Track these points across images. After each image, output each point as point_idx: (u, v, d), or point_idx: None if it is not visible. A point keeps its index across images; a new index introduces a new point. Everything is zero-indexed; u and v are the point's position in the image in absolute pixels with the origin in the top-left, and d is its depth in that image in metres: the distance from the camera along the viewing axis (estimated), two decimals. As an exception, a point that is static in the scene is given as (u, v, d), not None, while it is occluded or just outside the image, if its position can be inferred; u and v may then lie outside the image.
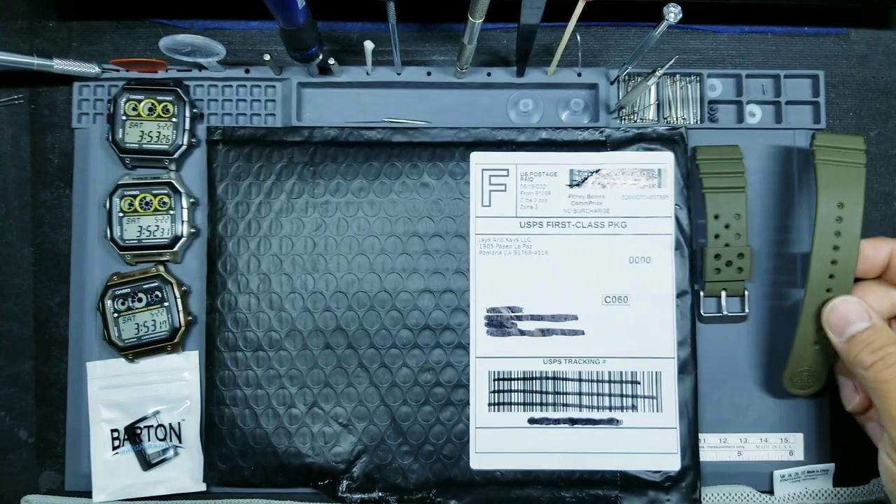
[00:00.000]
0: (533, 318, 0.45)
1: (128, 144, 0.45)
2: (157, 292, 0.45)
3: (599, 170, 0.46)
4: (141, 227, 0.45)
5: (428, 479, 0.45)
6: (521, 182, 0.46)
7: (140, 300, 0.45)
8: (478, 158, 0.46)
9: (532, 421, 0.45)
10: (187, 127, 0.45)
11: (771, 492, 0.45)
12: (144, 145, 0.45)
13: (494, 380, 0.45)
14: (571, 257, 0.45)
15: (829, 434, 0.46)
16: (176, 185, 0.45)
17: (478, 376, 0.45)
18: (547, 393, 0.45)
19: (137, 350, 0.45)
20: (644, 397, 0.45)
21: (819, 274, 0.42)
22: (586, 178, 0.46)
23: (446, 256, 0.45)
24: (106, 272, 0.46)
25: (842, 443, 0.47)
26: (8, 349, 0.47)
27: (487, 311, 0.45)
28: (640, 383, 0.45)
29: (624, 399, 0.45)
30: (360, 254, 0.45)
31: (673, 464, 0.44)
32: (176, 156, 0.45)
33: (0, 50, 0.44)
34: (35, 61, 0.44)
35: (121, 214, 0.45)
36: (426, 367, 0.45)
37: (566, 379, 0.45)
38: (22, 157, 0.48)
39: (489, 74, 0.47)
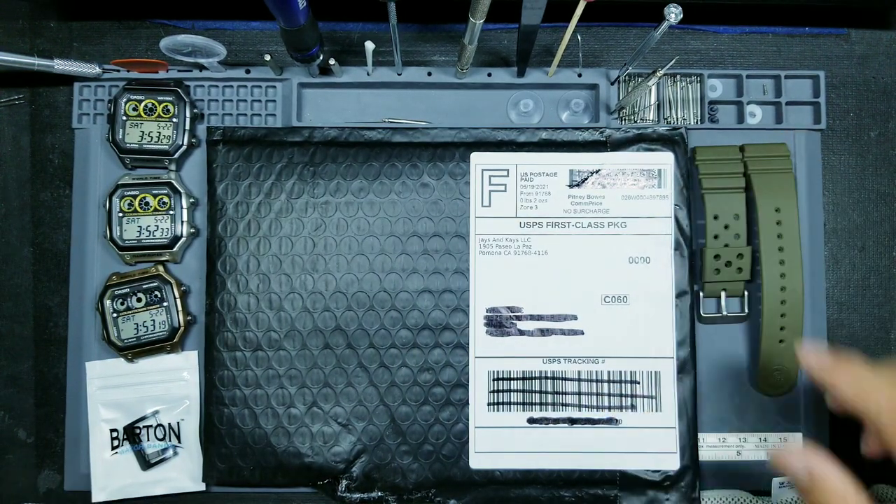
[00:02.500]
0: (532, 317, 0.45)
1: (128, 144, 0.45)
2: (157, 292, 0.45)
3: (599, 170, 0.46)
4: (141, 227, 0.45)
5: (427, 478, 0.44)
6: (521, 182, 0.46)
7: (139, 300, 0.45)
8: (478, 159, 0.46)
9: (531, 421, 0.45)
10: (187, 127, 0.45)
11: (768, 493, 0.45)
12: (144, 145, 0.45)
13: (494, 379, 0.45)
14: (571, 257, 0.45)
15: (828, 433, 0.46)
16: (176, 185, 0.45)
17: (477, 376, 0.45)
18: (546, 393, 0.45)
19: (137, 350, 0.45)
20: (643, 397, 0.45)
21: (771, 272, 0.44)
22: (586, 179, 0.46)
23: (446, 256, 0.45)
24: (105, 272, 0.46)
25: (842, 444, 0.47)
26: (8, 349, 0.47)
27: (487, 311, 0.45)
28: (639, 383, 0.45)
29: (623, 399, 0.45)
30: (360, 254, 0.45)
31: (672, 463, 0.44)
32: (176, 156, 0.45)
33: (1, 50, 0.44)
34: (36, 61, 0.45)
35: (121, 214, 0.45)
36: (425, 367, 0.45)
37: (565, 379, 0.45)
38: (22, 157, 0.48)
39: (490, 75, 0.47)
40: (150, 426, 0.45)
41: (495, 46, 0.49)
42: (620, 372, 0.45)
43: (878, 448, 0.38)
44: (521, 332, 0.45)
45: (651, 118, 0.47)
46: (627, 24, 0.49)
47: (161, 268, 0.45)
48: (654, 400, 0.45)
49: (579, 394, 0.45)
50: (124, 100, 0.45)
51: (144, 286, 0.45)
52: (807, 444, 0.38)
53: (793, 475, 0.37)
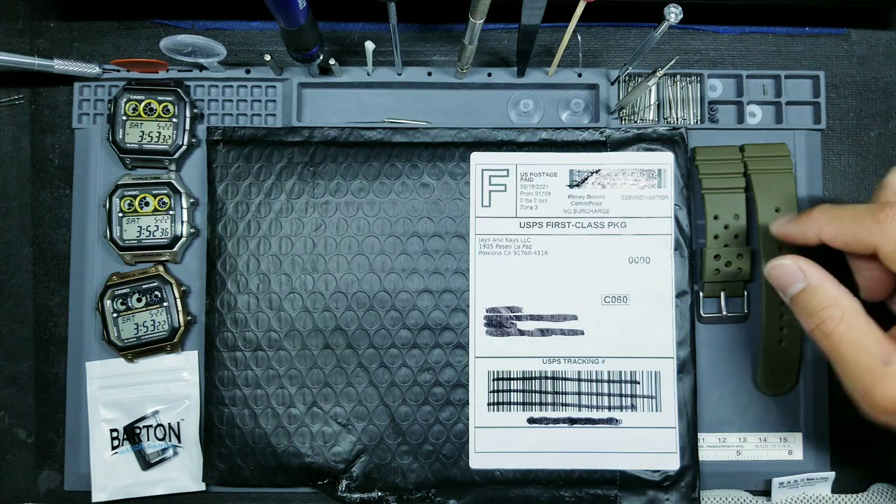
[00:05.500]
0: (532, 318, 0.45)
1: (128, 144, 0.45)
2: (157, 292, 0.45)
3: (599, 170, 0.46)
4: (141, 227, 0.45)
5: (427, 478, 0.44)
6: (521, 182, 0.46)
7: (139, 300, 0.45)
8: (478, 159, 0.46)
9: (531, 420, 0.45)
10: (187, 127, 0.45)
11: (768, 493, 0.45)
12: (144, 145, 0.45)
13: (494, 379, 0.45)
14: (571, 257, 0.45)
15: (828, 433, 0.46)
16: (176, 185, 0.45)
17: (477, 376, 0.45)
18: (546, 393, 0.45)
19: (137, 350, 0.45)
20: (643, 397, 0.45)
21: None
22: (586, 179, 0.46)
23: (446, 256, 0.45)
24: (106, 272, 0.46)
25: (841, 444, 0.47)
26: (8, 349, 0.47)
27: (487, 311, 0.45)
28: (639, 383, 0.45)
29: (623, 399, 0.45)
30: (360, 254, 0.45)
31: (672, 463, 0.44)
32: (176, 156, 0.45)
33: (1, 50, 0.44)
34: (36, 61, 0.45)
35: (120, 214, 0.45)
36: (425, 367, 0.45)
37: (565, 379, 0.45)
38: (22, 157, 0.48)
39: (490, 75, 0.47)
40: (150, 426, 0.45)
41: (495, 46, 0.49)
42: (620, 372, 0.45)
43: (883, 282, 0.37)
44: (521, 332, 0.45)
45: (651, 118, 0.47)
46: (627, 24, 0.49)
47: (161, 268, 0.45)
48: (654, 400, 0.45)
49: (579, 394, 0.45)
50: (124, 100, 0.45)
51: (144, 286, 0.45)
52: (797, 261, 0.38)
53: (791, 285, 0.37)
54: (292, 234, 0.45)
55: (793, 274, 0.37)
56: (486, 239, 0.46)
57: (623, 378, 0.45)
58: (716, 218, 0.45)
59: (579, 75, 0.47)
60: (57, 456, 0.46)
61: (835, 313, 0.35)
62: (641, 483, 0.44)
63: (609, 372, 0.45)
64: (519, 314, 0.45)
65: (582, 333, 0.45)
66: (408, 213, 0.46)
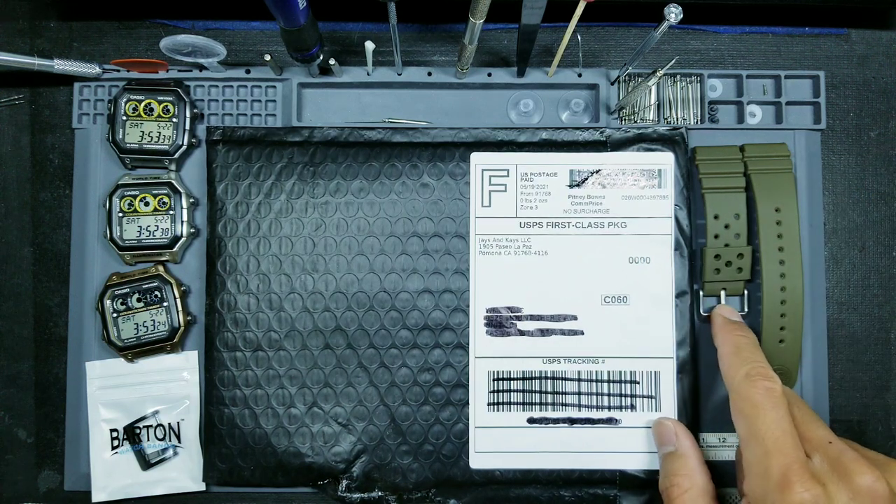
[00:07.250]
0: (532, 318, 0.45)
1: (128, 144, 0.45)
2: (157, 292, 0.45)
3: (600, 170, 0.46)
4: (140, 227, 0.45)
5: (427, 478, 0.44)
6: (521, 182, 0.46)
7: (139, 300, 0.45)
8: (478, 159, 0.46)
9: (531, 420, 0.45)
10: (187, 127, 0.45)
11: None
12: (144, 145, 0.45)
13: (494, 380, 0.45)
14: (571, 257, 0.45)
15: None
16: (176, 185, 0.45)
17: (477, 376, 0.45)
18: (546, 393, 0.45)
19: (137, 350, 0.45)
20: (643, 397, 0.45)
21: (771, 272, 0.44)
22: (586, 179, 0.46)
23: (446, 257, 0.45)
24: (105, 272, 0.46)
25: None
26: (8, 349, 0.47)
27: (487, 311, 0.45)
28: (639, 383, 0.45)
29: (623, 399, 0.45)
30: (360, 254, 0.45)
31: (673, 464, 0.44)
32: (176, 156, 0.45)
33: (0, 50, 0.44)
34: (36, 61, 0.45)
35: (120, 214, 0.45)
36: (426, 367, 0.45)
37: (565, 379, 0.45)
38: (22, 157, 0.48)
39: (490, 75, 0.47)
40: (150, 426, 0.45)
41: (495, 46, 0.49)
42: (620, 372, 0.45)
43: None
44: (521, 333, 0.45)
45: (651, 118, 0.47)
46: (627, 24, 0.49)
47: (161, 268, 0.45)
48: (653, 400, 0.45)
49: (579, 394, 0.45)
50: (124, 100, 0.45)
51: (144, 286, 0.45)
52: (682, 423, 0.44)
53: (664, 445, 0.42)
54: (292, 234, 0.45)
55: (668, 435, 0.42)
56: (486, 239, 0.46)
57: (623, 378, 0.45)
58: (716, 217, 0.45)
59: (579, 75, 0.47)
60: (57, 456, 0.46)
61: (683, 483, 0.39)
62: (641, 483, 0.44)
63: (609, 372, 0.45)
64: (519, 314, 0.45)
65: (582, 333, 0.45)
66: (408, 214, 0.46)
